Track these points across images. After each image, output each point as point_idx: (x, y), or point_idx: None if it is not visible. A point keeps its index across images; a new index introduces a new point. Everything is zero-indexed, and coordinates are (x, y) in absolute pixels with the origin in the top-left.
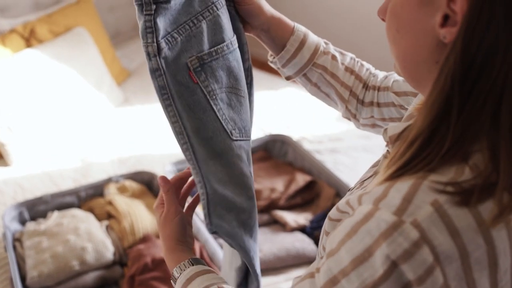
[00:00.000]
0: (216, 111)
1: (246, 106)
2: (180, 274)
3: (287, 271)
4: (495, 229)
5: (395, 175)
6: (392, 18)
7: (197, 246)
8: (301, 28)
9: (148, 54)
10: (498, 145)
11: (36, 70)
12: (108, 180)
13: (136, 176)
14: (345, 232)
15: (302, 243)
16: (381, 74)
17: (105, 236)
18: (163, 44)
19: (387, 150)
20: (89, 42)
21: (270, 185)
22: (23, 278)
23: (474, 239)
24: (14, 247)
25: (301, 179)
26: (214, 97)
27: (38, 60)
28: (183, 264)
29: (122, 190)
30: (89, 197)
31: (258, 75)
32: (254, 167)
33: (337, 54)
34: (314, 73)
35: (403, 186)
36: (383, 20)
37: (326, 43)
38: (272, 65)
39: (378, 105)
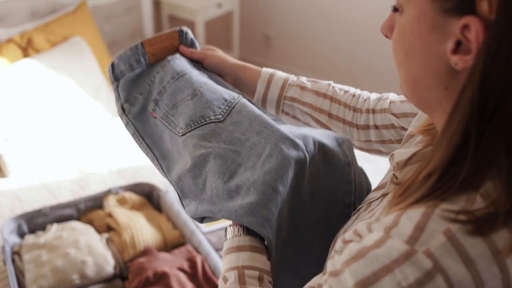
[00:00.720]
0: (168, 124)
1: (196, 102)
2: (233, 235)
3: None
4: (510, 258)
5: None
6: (400, 41)
7: (199, 259)
8: (267, 70)
9: (120, 114)
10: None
11: (34, 80)
12: (108, 192)
13: (135, 188)
14: (351, 255)
15: None
16: (373, 96)
17: (106, 249)
18: (126, 105)
19: (394, 174)
20: (86, 51)
21: None
22: None
23: (489, 268)
24: (13, 261)
25: None
26: (167, 118)
27: (36, 70)
28: (234, 228)
29: (122, 202)
30: (89, 209)
31: None
32: None
33: (307, 84)
34: (288, 106)
35: (414, 214)
36: (387, 37)
37: (297, 77)
38: None
39: (376, 127)
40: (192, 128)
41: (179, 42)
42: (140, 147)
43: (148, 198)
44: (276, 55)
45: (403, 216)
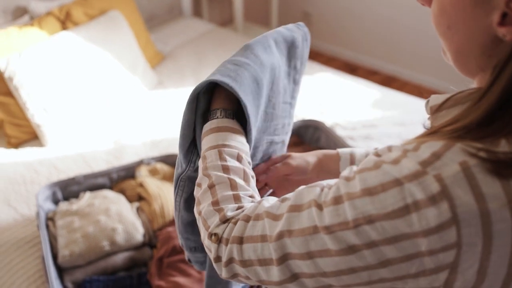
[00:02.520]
0: None
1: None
2: (213, 117)
3: None
4: None
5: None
6: (442, 15)
7: None
8: (345, 151)
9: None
10: None
11: (72, 52)
12: (140, 163)
13: (167, 159)
14: (365, 166)
15: None
16: None
17: (136, 217)
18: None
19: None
20: (123, 25)
21: None
22: (54, 257)
23: (500, 210)
24: (47, 226)
25: None
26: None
27: (74, 42)
28: (215, 111)
29: (153, 172)
30: (121, 179)
31: None
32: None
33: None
34: None
35: (435, 144)
36: (424, 4)
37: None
38: None
39: None
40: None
41: None
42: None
43: None
44: (316, 33)
45: (424, 144)
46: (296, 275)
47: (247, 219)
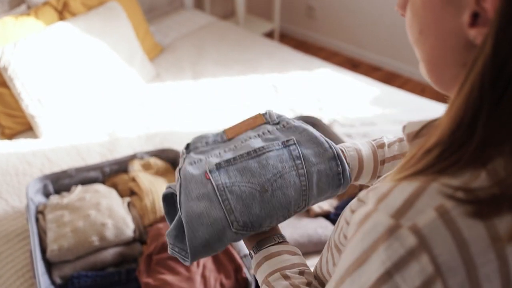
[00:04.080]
0: (221, 201)
1: (263, 201)
2: (252, 258)
3: (308, 258)
4: (510, 245)
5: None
6: (413, 19)
7: None
8: (348, 145)
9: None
10: None
11: (68, 43)
12: (133, 157)
13: (161, 154)
14: (351, 232)
15: (325, 230)
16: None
17: (126, 212)
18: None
19: None
20: (122, 16)
21: None
22: (43, 251)
23: (483, 252)
24: (37, 219)
25: None
26: (222, 189)
27: (71, 33)
28: (254, 248)
29: (147, 167)
30: (113, 173)
31: (292, 55)
32: None
33: (385, 140)
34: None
35: (408, 187)
36: (403, 15)
37: (373, 141)
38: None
39: None
40: (248, 231)
41: (262, 117)
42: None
43: (173, 164)
44: (319, 27)
45: (396, 188)
46: None
47: None
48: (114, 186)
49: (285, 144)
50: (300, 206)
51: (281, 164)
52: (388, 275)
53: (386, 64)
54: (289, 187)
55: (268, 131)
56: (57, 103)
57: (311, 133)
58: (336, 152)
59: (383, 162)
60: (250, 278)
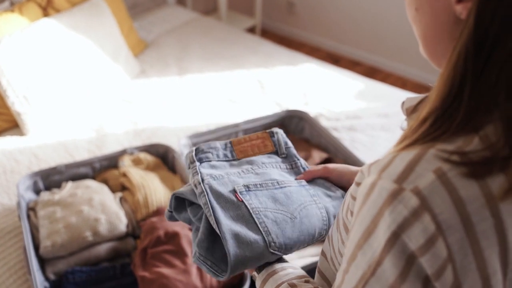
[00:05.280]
0: (259, 223)
1: (294, 226)
2: (256, 278)
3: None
4: (504, 203)
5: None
6: None
7: None
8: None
9: (194, 185)
10: None
11: (53, 40)
12: (123, 152)
13: (151, 149)
14: (358, 205)
15: None
16: None
17: (119, 208)
18: (207, 178)
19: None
20: (106, 12)
21: None
22: (36, 247)
23: (479, 210)
24: (28, 216)
25: (317, 156)
26: (257, 212)
27: (55, 29)
28: (257, 269)
29: (137, 162)
30: (104, 169)
31: (276, 50)
32: None
33: None
34: None
35: (408, 155)
36: None
37: None
38: None
39: None
40: (281, 252)
41: (270, 142)
42: (207, 215)
43: (163, 159)
44: (300, 23)
45: (396, 157)
46: None
47: None
48: (105, 182)
49: (300, 184)
50: (321, 235)
51: (302, 197)
52: (395, 236)
53: (366, 59)
54: (313, 217)
55: (280, 167)
56: (43, 100)
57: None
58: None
59: None
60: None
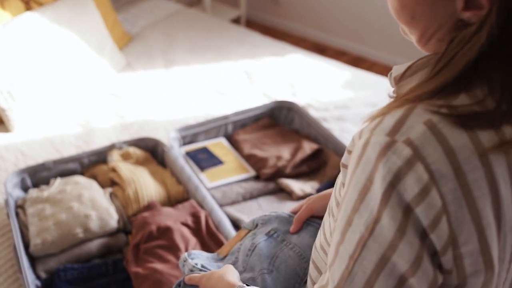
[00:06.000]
0: None
1: (273, 278)
2: None
3: None
4: (493, 154)
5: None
6: (404, 10)
7: (202, 214)
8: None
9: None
10: (505, 79)
11: (36, 34)
12: (111, 147)
13: (139, 143)
14: (351, 170)
15: None
16: None
17: (109, 203)
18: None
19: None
20: (90, 5)
21: (277, 152)
22: (26, 245)
23: (469, 159)
24: (17, 214)
25: (308, 147)
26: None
27: (38, 23)
28: None
29: (126, 157)
30: (92, 164)
31: (262, 41)
32: (260, 134)
33: None
34: None
35: (397, 112)
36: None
37: None
38: None
39: None
40: None
41: (246, 230)
42: None
43: (152, 153)
44: (284, 13)
45: (386, 116)
46: None
47: None
48: (94, 177)
49: (268, 235)
50: (306, 268)
51: (273, 249)
52: (391, 186)
53: (352, 48)
54: (288, 259)
55: (253, 233)
56: (27, 95)
57: (281, 216)
58: (287, 216)
59: None
60: None
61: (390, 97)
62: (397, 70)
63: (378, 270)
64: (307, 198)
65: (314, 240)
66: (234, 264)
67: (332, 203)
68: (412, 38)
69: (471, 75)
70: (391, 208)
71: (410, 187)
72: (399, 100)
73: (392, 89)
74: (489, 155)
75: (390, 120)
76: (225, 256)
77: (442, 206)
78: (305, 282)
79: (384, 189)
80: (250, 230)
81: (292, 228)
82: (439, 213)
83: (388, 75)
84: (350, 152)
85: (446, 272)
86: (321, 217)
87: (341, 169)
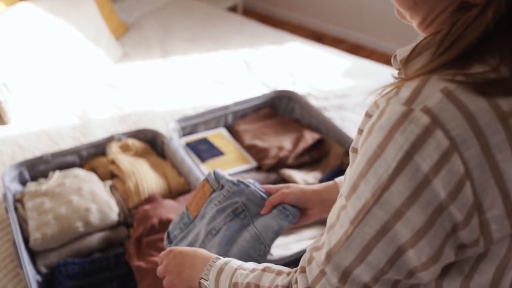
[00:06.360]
0: None
1: None
2: (209, 273)
3: (297, 232)
4: None
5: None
6: None
7: None
8: (341, 178)
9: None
10: None
11: (32, 24)
12: (110, 138)
13: (138, 134)
14: (364, 137)
15: None
16: None
17: (109, 196)
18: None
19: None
20: None
21: (278, 143)
22: (25, 240)
23: (491, 123)
24: (15, 208)
25: (310, 137)
26: None
27: (33, 14)
28: (209, 264)
29: (125, 148)
30: (91, 156)
31: (260, 30)
32: (260, 124)
33: None
34: None
35: (413, 83)
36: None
37: None
38: None
39: None
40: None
41: (210, 187)
42: None
43: (152, 144)
44: (281, 1)
45: (401, 87)
46: (365, 286)
47: (302, 271)
48: (93, 170)
49: (235, 213)
50: (261, 250)
51: (235, 233)
52: (408, 156)
53: (350, 36)
54: (243, 242)
55: (218, 201)
56: (23, 87)
57: (254, 194)
58: (262, 196)
59: None
60: None
61: (395, 78)
62: (402, 52)
63: (378, 237)
64: (286, 185)
65: (273, 222)
66: (198, 233)
67: (343, 183)
68: (413, 22)
69: (482, 50)
70: (405, 176)
71: (429, 156)
72: (411, 76)
73: (396, 71)
74: (510, 119)
75: (406, 91)
76: (196, 217)
77: (464, 172)
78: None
79: (400, 157)
80: (214, 189)
81: (262, 211)
82: (461, 179)
83: (392, 58)
84: (370, 116)
85: (472, 244)
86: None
87: (351, 154)
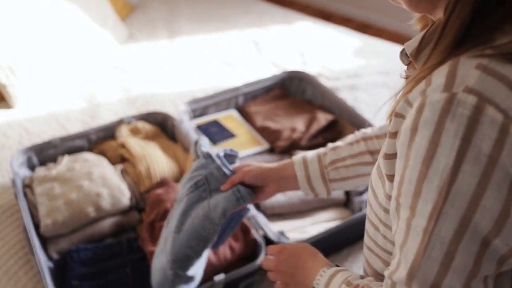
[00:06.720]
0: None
1: (179, 238)
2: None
3: (313, 214)
4: None
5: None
6: None
7: None
8: (297, 156)
9: None
10: None
11: (36, 7)
12: (120, 122)
13: (148, 117)
14: (407, 138)
15: None
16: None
17: (120, 180)
18: None
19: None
20: None
21: (291, 124)
22: (36, 226)
23: None
24: (25, 194)
25: (323, 118)
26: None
27: None
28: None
29: (135, 131)
30: (100, 140)
31: (269, 9)
32: (272, 105)
33: (338, 143)
34: (333, 172)
35: (442, 68)
36: None
37: (325, 147)
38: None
39: None
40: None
41: (192, 158)
42: None
43: (162, 127)
44: None
45: (432, 76)
46: None
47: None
48: (103, 154)
49: (197, 186)
50: (210, 228)
51: (190, 206)
52: (466, 141)
53: (357, 15)
54: (195, 219)
55: (191, 172)
56: (29, 70)
57: (215, 165)
58: (225, 172)
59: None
60: (259, 239)
61: (403, 78)
62: (410, 45)
63: (458, 238)
64: (247, 164)
65: (223, 202)
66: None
67: (374, 175)
68: (401, 2)
69: (501, 20)
70: (468, 164)
71: (487, 134)
72: (429, 67)
73: (404, 71)
74: None
75: (439, 78)
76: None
77: None
78: (208, 240)
79: (458, 146)
80: (194, 160)
81: (223, 187)
82: None
83: (399, 53)
84: (400, 116)
85: None
86: (246, 184)
87: (383, 161)
